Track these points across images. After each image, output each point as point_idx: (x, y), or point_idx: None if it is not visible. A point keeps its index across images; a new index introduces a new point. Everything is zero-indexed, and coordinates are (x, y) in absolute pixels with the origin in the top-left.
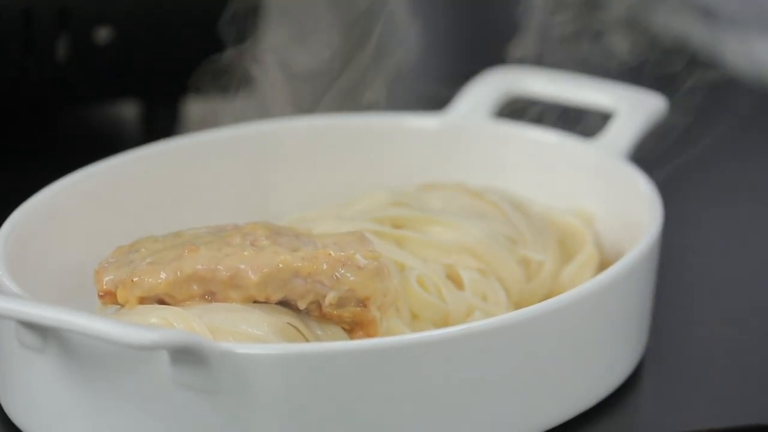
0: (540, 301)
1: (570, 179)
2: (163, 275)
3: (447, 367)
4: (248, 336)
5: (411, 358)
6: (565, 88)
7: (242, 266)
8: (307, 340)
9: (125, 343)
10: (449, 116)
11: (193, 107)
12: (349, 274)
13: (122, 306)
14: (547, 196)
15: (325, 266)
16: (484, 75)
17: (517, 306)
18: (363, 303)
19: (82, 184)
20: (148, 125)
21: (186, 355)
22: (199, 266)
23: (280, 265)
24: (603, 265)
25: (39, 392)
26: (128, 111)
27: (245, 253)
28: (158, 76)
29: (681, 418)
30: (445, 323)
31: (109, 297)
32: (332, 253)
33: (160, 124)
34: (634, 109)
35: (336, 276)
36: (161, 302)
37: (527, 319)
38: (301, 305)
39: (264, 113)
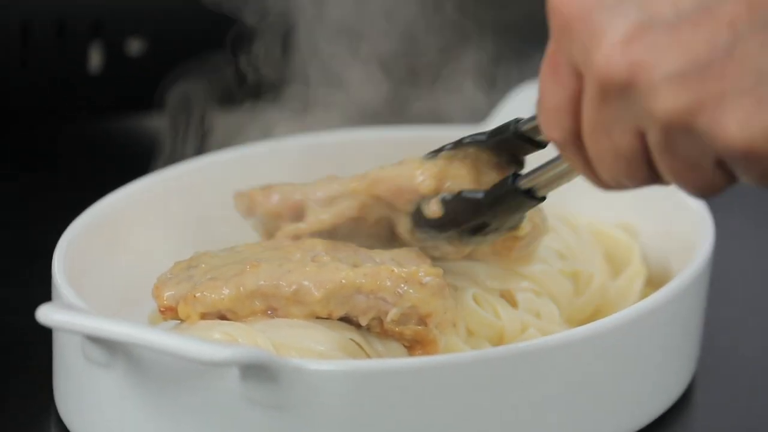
0: (589, 314)
1: (612, 192)
2: (225, 291)
3: (508, 384)
4: (312, 352)
5: (481, 374)
6: None
7: (305, 282)
8: (368, 356)
9: (199, 359)
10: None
11: (221, 120)
12: (411, 291)
13: (182, 321)
14: (590, 209)
15: (388, 282)
16: (521, 87)
17: (568, 320)
18: (423, 320)
19: (133, 197)
20: (174, 137)
21: (256, 371)
22: (262, 282)
23: (343, 281)
24: (648, 280)
25: (105, 408)
26: (156, 122)
27: (307, 268)
28: (187, 88)
29: None
30: (500, 340)
31: (170, 312)
32: (395, 269)
33: (187, 137)
34: None
35: (399, 292)
36: (222, 318)
37: (585, 337)
38: (363, 321)
39: (294, 125)
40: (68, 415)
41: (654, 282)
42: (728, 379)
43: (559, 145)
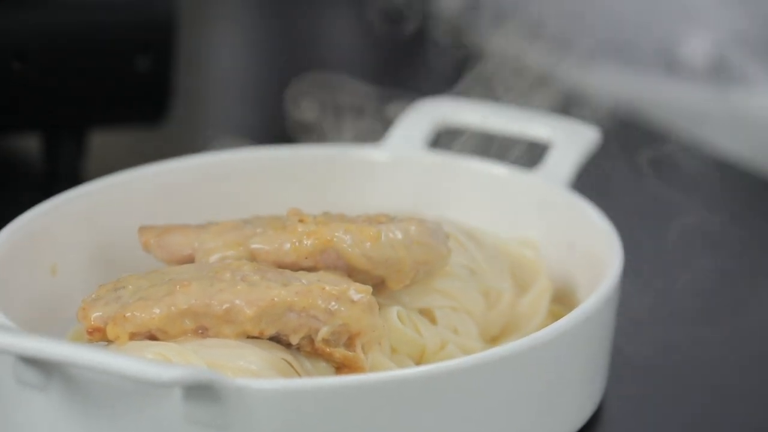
0: (499, 330)
1: (514, 209)
2: (156, 310)
3: (447, 400)
4: (245, 371)
5: (426, 391)
6: (498, 119)
7: (237, 301)
8: (299, 376)
9: (145, 379)
10: (388, 147)
11: (98, 139)
12: (343, 308)
13: (110, 342)
14: (491, 226)
15: (319, 300)
16: (416, 106)
17: (481, 336)
18: (353, 338)
19: (44, 218)
20: (50, 158)
21: (199, 391)
22: (193, 301)
23: (275, 300)
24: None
25: None
26: (30, 143)
27: (238, 287)
28: (63, 107)
29: None
30: (421, 357)
31: (98, 333)
32: (326, 287)
33: (63, 157)
34: (570, 140)
35: (330, 309)
36: (152, 338)
37: (514, 354)
38: (294, 340)
39: (179, 147)
40: None
41: (558, 298)
42: (637, 395)
43: None
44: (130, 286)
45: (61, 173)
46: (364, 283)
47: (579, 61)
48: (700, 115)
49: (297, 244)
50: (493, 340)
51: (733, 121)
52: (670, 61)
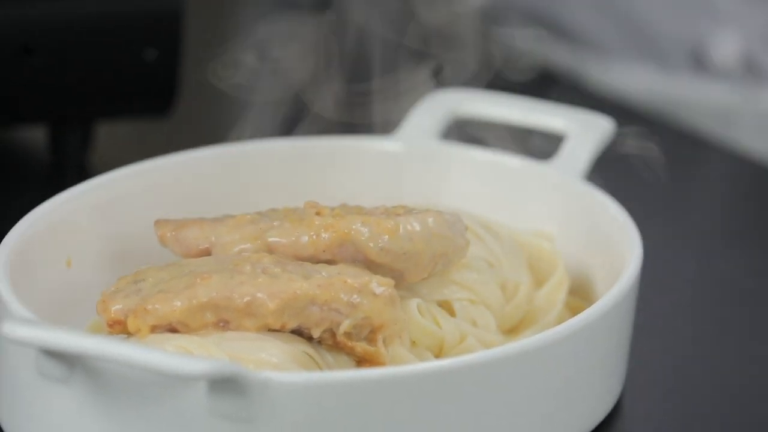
0: (517, 323)
1: (529, 201)
2: (177, 303)
3: (471, 393)
4: (267, 364)
5: (447, 384)
6: (512, 110)
7: (259, 294)
8: (320, 369)
9: (170, 373)
10: (402, 138)
11: (104, 131)
12: (365, 301)
13: (131, 335)
14: (506, 217)
15: (342, 293)
16: (429, 97)
17: (498, 329)
18: (375, 332)
19: (59, 210)
20: (56, 150)
21: (224, 384)
22: (214, 293)
23: (298, 292)
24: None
25: (63, 427)
26: (36, 136)
27: (259, 280)
28: (69, 99)
29: None
30: (439, 350)
31: (118, 326)
32: (348, 279)
33: (69, 149)
34: (585, 131)
35: (352, 302)
36: (172, 331)
37: (540, 347)
38: (315, 333)
39: (181, 140)
40: None
41: (574, 290)
42: (655, 389)
43: None
44: (150, 279)
45: (68, 166)
46: (382, 275)
47: (606, 59)
48: (728, 114)
49: (315, 237)
50: (509, 332)
51: (761, 120)
52: (699, 60)
